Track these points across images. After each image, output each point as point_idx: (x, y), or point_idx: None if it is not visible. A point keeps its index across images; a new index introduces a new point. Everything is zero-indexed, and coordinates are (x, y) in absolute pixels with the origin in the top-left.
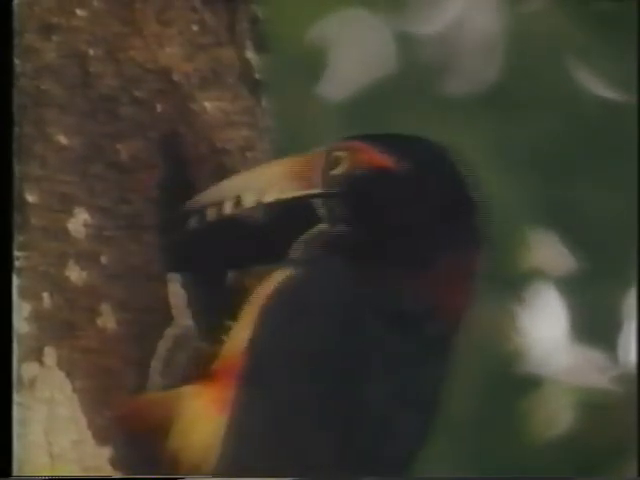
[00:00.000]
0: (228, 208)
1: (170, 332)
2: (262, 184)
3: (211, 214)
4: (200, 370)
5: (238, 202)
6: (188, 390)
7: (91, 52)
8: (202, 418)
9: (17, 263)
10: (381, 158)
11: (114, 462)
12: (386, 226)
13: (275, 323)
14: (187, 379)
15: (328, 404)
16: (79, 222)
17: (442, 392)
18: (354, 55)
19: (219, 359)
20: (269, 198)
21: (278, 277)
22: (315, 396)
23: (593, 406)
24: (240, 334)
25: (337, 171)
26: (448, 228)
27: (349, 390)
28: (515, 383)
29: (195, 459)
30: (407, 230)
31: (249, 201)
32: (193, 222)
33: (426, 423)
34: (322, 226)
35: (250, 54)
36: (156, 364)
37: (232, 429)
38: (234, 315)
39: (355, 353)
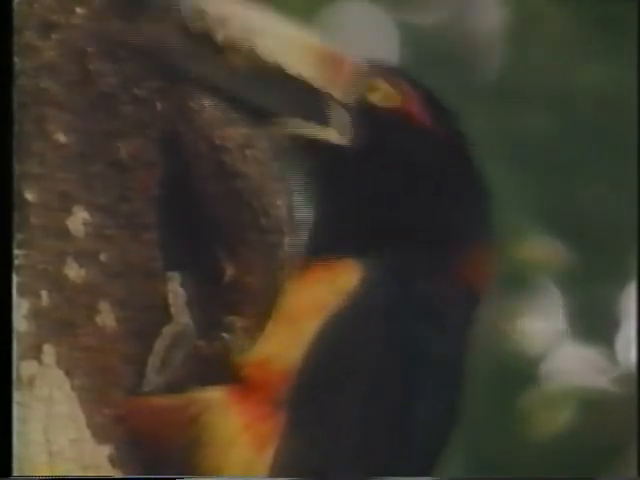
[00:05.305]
0: (221, 36)
1: (168, 330)
2: (282, 40)
3: (196, 27)
4: (221, 372)
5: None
6: (214, 397)
7: (91, 50)
8: (237, 450)
9: (16, 261)
10: (418, 110)
11: (113, 460)
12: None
13: (342, 345)
14: (197, 378)
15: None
16: (78, 220)
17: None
18: (355, 47)
19: (252, 363)
20: (290, 67)
21: (341, 285)
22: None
23: (593, 406)
24: (290, 344)
25: (372, 97)
26: (459, 213)
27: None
28: (514, 382)
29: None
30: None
31: (262, 48)
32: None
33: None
34: (331, 132)
35: None
36: (153, 362)
37: (277, 469)
38: (234, 312)
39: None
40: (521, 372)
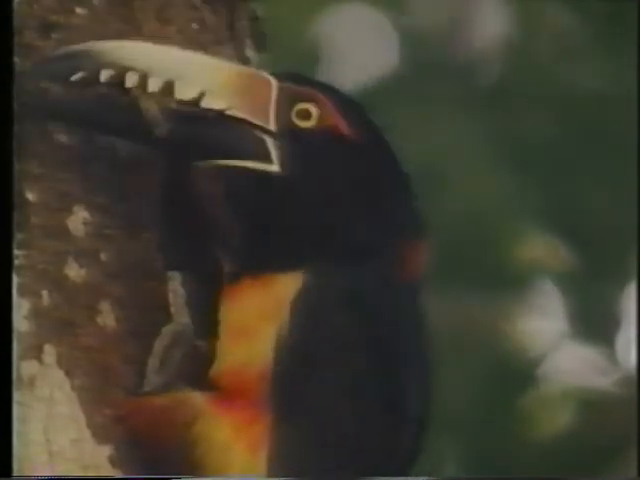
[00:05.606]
0: (132, 82)
1: (168, 330)
2: (201, 80)
3: (106, 76)
4: (201, 374)
5: (166, 86)
6: (196, 401)
7: None
8: (234, 455)
9: (17, 261)
10: (342, 124)
11: (113, 460)
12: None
13: (305, 338)
14: (185, 379)
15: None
16: (78, 220)
17: None
18: (355, 52)
19: (229, 374)
20: (210, 103)
21: (288, 286)
22: (361, 415)
23: (593, 406)
24: (255, 349)
25: (306, 124)
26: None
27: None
28: (514, 382)
29: None
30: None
31: (181, 92)
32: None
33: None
34: (273, 168)
35: (250, 52)
36: (153, 362)
37: (274, 467)
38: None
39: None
40: (521, 372)
